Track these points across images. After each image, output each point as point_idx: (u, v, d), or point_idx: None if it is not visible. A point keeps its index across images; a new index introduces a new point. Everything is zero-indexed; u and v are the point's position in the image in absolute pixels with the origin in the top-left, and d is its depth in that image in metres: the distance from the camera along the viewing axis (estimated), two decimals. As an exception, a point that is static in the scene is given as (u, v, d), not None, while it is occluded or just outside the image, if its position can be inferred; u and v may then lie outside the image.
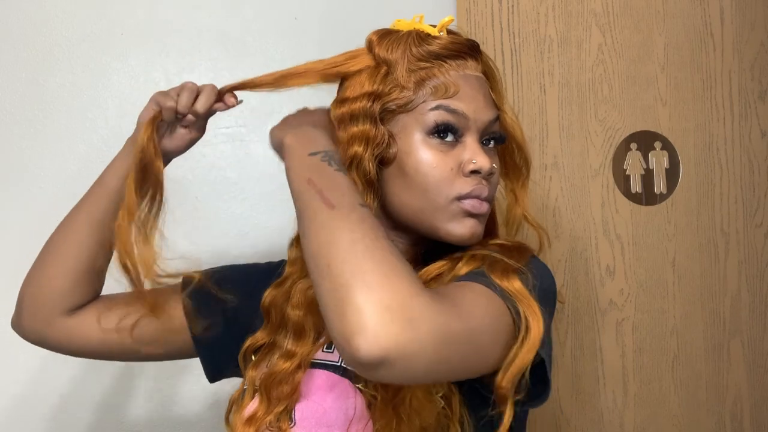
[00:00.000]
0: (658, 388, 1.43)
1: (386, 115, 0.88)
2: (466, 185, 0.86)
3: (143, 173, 0.92)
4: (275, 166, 1.41)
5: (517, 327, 0.78)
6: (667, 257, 1.43)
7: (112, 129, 1.40)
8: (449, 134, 0.86)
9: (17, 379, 1.37)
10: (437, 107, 0.86)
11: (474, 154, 0.86)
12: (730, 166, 1.44)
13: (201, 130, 0.99)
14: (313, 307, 0.88)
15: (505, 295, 0.79)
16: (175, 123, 0.96)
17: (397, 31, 0.91)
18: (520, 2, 1.42)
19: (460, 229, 0.87)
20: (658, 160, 1.44)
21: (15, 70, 1.39)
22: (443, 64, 0.88)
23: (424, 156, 0.86)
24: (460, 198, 0.86)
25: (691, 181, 1.44)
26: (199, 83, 0.95)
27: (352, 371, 0.87)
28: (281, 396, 0.88)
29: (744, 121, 1.44)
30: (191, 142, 0.99)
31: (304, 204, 0.77)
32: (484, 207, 0.87)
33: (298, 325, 0.90)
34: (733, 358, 1.44)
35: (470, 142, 0.87)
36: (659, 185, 1.44)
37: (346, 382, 0.87)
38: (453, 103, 0.86)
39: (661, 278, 1.43)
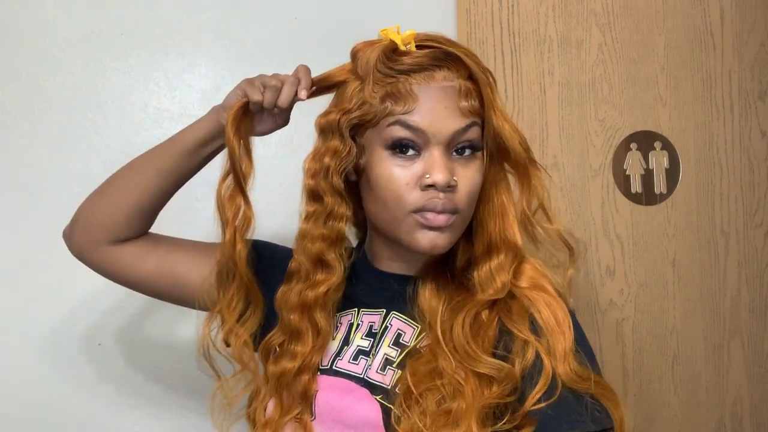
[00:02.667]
0: (658, 388, 1.43)
1: (357, 130, 0.91)
2: (420, 199, 0.88)
3: (232, 198, 0.96)
4: (275, 165, 1.43)
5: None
6: (667, 257, 1.43)
7: (112, 129, 1.40)
8: (409, 149, 0.88)
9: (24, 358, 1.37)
10: (395, 122, 0.88)
11: (430, 168, 0.87)
12: (730, 166, 1.44)
13: (286, 120, 1.00)
14: (305, 307, 0.93)
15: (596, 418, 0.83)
16: (262, 112, 0.98)
17: (377, 42, 0.92)
18: (520, 2, 1.42)
19: (420, 240, 0.89)
20: (658, 160, 1.44)
21: (15, 70, 1.39)
22: (408, 77, 0.89)
23: (383, 171, 0.89)
24: (415, 211, 0.88)
25: (691, 181, 1.44)
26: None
27: (372, 383, 0.91)
28: (293, 399, 0.92)
29: (744, 121, 1.44)
30: (276, 128, 1.00)
31: None
32: (440, 219, 0.88)
33: (294, 327, 0.93)
34: (733, 358, 1.44)
35: (432, 155, 0.88)
36: (659, 185, 1.44)
37: (364, 390, 0.91)
38: (409, 118, 0.87)
39: (661, 278, 1.43)
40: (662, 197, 1.44)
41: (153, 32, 1.42)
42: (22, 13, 1.39)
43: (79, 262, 1.07)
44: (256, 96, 0.94)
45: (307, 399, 0.92)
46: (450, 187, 0.88)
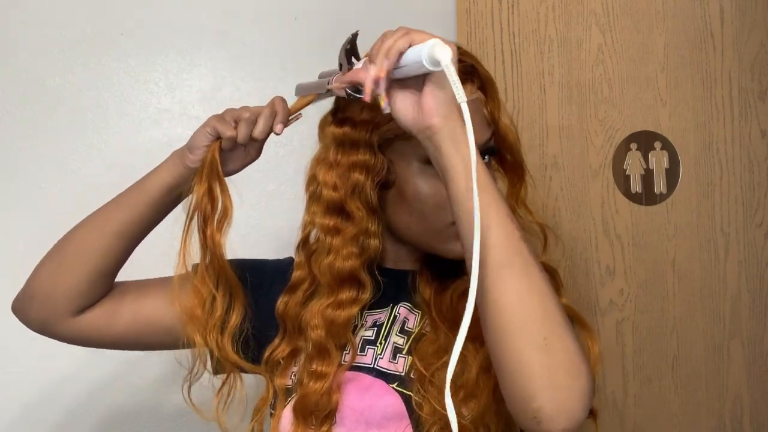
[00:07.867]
0: (658, 388, 1.43)
1: (385, 142, 0.89)
2: None
3: (211, 195, 0.91)
4: (275, 166, 1.43)
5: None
6: (667, 257, 1.43)
7: (112, 129, 1.40)
8: None
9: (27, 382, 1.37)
10: None
11: None
12: (730, 166, 1.44)
13: (258, 153, 0.96)
14: (333, 327, 0.90)
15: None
16: (234, 148, 0.94)
17: None
18: (520, 2, 1.42)
19: (456, 248, 0.87)
20: (658, 160, 1.44)
21: (15, 70, 1.39)
22: None
23: (422, 185, 0.89)
24: (454, 222, 0.87)
25: (691, 181, 1.44)
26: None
27: (385, 372, 0.90)
28: (318, 419, 0.89)
29: (744, 121, 1.44)
30: (248, 164, 0.97)
31: (509, 249, 0.74)
32: None
33: (322, 346, 0.90)
34: (733, 358, 1.44)
35: None
36: (659, 185, 1.44)
37: (380, 382, 0.90)
38: None
39: (661, 278, 1.43)
40: (662, 197, 1.44)
41: (153, 32, 1.42)
42: (22, 13, 1.40)
43: None
44: (229, 132, 0.90)
45: (331, 413, 0.90)
46: None
